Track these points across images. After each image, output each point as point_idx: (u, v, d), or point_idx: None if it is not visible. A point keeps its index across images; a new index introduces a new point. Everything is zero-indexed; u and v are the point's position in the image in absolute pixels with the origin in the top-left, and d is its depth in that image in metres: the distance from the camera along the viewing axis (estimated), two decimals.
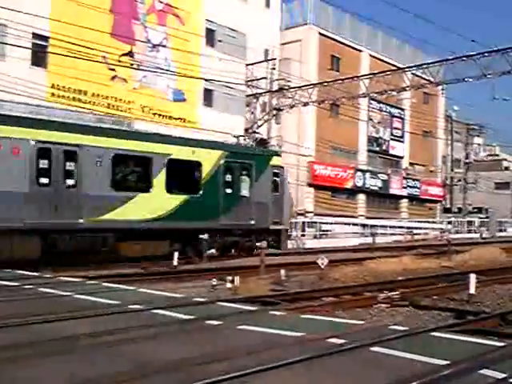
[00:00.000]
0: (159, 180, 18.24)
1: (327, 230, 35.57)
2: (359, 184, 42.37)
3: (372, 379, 4.95)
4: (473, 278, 11.38)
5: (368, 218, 41.47)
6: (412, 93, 38.88)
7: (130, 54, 27.22)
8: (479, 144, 72.27)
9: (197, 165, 19.33)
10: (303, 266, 16.69)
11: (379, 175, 44.35)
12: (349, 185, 41.44)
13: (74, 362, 5.54)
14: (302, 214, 34.76)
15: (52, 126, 16.22)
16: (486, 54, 23.44)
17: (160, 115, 28.87)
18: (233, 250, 20.74)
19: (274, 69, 32.85)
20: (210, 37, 31.66)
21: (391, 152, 46.66)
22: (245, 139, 29.14)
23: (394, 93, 28.90)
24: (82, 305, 8.73)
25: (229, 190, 20.16)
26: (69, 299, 9.54)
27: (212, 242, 19.04)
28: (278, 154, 23.33)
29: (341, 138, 38.26)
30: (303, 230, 32.82)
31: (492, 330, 7.99)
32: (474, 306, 10.78)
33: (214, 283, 12.46)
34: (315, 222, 34.74)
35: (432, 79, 26.67)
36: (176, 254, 16.98)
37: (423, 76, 30.30)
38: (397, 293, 11.76)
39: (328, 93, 29.41)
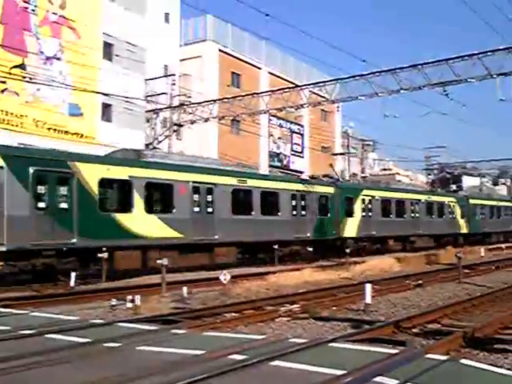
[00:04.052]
0: None
1: None
2: None
3: None
4: (368, 287, 11.79)
5: None
6: (310, 110, 40.11)
7: (21, 66, 26.02)
8: (374, 159, 75.92)
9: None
10: (206, 283, 16.56)
11: None
12: None
13: None
14: None
15: None
16: (377, 74, 24.57)
17: (55, 130, 27.76)
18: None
19: (174, 84, 32.69)
20: (108, 51, 30.96)
21: (292, 167, 47.80)
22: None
23: (293, 109, 29.61)
24: None
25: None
26: None
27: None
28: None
29: (242, 153, 38.62)
30: None
31: (386, 338, 8.28)
32: (370, 315, 11.17)
33: (114, 303, 12.07)
34: None
35: (328, 97, 27.57)
36: (73, 274, 16.01)
37: (320, 93, 31.32)
38: (297, 305, 11.95)
39: (229, 109, 29.61)
